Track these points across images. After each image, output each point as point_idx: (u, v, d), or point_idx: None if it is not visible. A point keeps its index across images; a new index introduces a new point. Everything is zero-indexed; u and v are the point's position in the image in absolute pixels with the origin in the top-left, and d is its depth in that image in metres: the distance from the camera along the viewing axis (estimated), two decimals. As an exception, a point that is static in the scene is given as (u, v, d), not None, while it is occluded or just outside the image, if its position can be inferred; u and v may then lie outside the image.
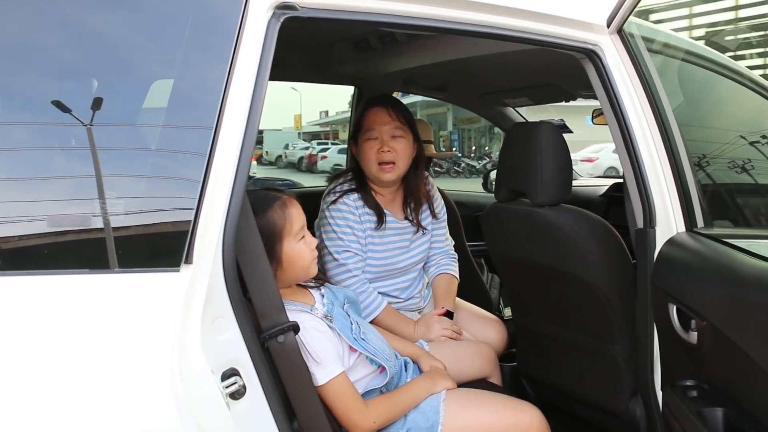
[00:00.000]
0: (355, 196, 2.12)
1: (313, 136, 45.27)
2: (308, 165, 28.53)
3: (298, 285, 1.64)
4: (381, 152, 2.07)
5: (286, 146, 34.64)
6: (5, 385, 1.01)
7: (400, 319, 2.11)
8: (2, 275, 1.03)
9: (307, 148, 31.98)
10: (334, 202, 2.10)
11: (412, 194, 2.23)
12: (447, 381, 1.74)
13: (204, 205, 1.12)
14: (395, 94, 3.38)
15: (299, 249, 1.56)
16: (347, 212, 2.08)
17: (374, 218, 2.13)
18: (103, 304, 1.06)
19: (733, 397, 1.36)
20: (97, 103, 1.12)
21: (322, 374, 1.48)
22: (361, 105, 2.19)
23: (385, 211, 2.15)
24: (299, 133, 44.50)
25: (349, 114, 3.76)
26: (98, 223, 1.09)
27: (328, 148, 28.77)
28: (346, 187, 2.15)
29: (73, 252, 1.10)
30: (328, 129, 46.33)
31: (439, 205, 2.36)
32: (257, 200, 1.49)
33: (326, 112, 46.53)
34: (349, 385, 1.54)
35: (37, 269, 1.06)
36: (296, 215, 1.56)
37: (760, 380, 1.22)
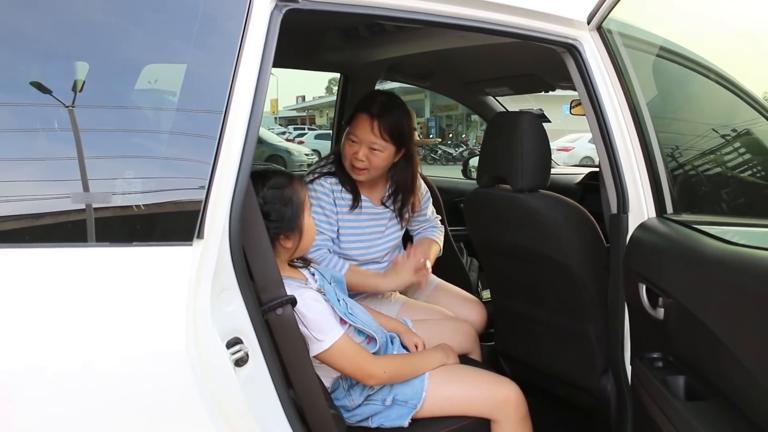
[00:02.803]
0: (333, 179, 2.18)
1: (289, 121, 44.73)
2: (284, 150, 28.22)
3: (290, 265, 1.73)
4: (355, 158, 2.10)
5: (262, 131, 34.12)
6: (34, 350, 1.08)
7: (367, 275, 2.18)
8: (37, 247, 1.10)
9: (283, 134, 31.64)
10: (311, 182, 2.17)
11: (403, 190, 2.28)
12: (456, 357, 1.87)
13: (214, 184, 1.19)
14: (378, 82, 3.43)
15: (311, 222, 1.70)
16: (321, 193, 2.15)
17: (350, 200, 2.18)
18: (128, 273, 1.14)
19: (695, 367, 1.45)
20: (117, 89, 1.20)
21: (326, 339, 1.56)
22: (358, 101, 2.20)
23: (362, 196, 2.22)
24: (275, 118, 43.93)
25: (326, 99, 3.75)
26: (120, 201, 1.17)
27: (305, 134, 28.48)
28: (325, 170, 2.21)
29: (100, 226, 1.17)
30: (305, 114, 45.81)
31: (423, 199, 2.42)
32: (280, 176, 1.63)
33: (303, 97, 45.93)
34: (353, 342, 1.63)
35: (72, 241, 1.14)
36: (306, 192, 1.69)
37: (719, 351, 1.31)
